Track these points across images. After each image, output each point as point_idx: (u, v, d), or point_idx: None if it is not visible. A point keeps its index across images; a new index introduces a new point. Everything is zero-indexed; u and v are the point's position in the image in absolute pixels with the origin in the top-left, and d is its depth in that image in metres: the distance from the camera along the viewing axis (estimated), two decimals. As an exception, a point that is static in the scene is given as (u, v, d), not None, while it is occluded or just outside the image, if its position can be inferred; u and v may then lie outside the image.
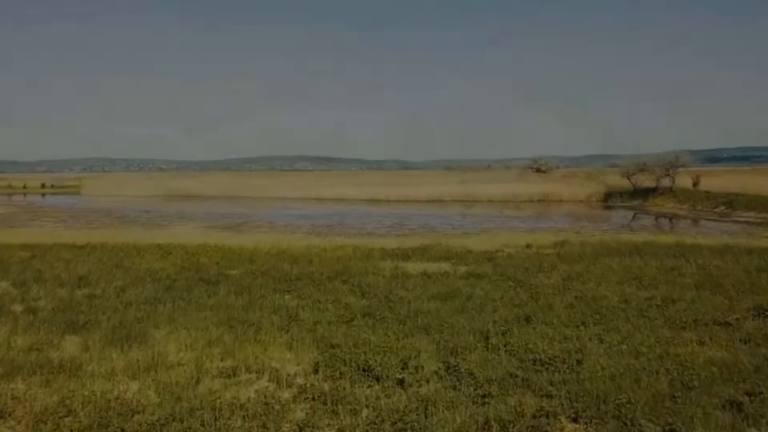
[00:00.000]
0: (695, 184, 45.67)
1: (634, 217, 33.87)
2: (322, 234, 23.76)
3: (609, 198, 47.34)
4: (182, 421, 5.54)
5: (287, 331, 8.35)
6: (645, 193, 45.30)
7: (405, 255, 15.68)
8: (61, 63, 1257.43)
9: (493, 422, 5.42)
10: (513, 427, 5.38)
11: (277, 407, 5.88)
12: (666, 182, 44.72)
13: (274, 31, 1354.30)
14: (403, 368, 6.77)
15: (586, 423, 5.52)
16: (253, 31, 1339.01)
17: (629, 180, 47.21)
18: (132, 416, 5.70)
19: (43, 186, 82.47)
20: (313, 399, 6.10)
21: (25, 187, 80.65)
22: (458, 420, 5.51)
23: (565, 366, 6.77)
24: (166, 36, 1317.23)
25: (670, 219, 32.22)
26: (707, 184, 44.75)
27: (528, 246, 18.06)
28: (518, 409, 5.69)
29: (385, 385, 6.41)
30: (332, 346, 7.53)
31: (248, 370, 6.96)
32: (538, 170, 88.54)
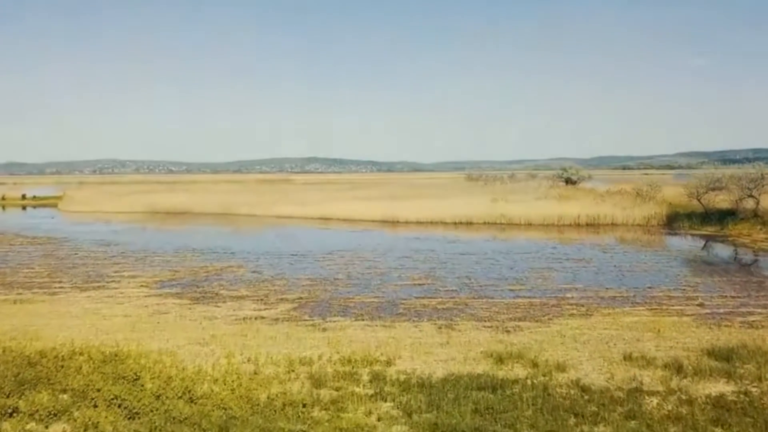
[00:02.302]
0: (779, 205, 37.56)
1: (708, 247, 25.72)
2: (323, 305, 15.98)
3: (673, 221, 39.15)
4: None
5: None
6: (720, 216, 37.14)
7: (474, 427, 7.82)
8: (67, 64, 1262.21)
9: None
10: None
11: None
12: (748, 204, 36.62)
13: (280, 33, 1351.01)
14: None
15: None
16: (259, 33, 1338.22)
17: (699, 201, 39.11)
18: None
19: (23, 197, 75.22)
20: None
21: (3, 198, 73.45)
22: None
23: None
24: (168, 37, 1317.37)
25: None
26: None
27: (683, 373, 10.13)
28: None
29: None
30: None
31: None
32: (568, 180, 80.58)
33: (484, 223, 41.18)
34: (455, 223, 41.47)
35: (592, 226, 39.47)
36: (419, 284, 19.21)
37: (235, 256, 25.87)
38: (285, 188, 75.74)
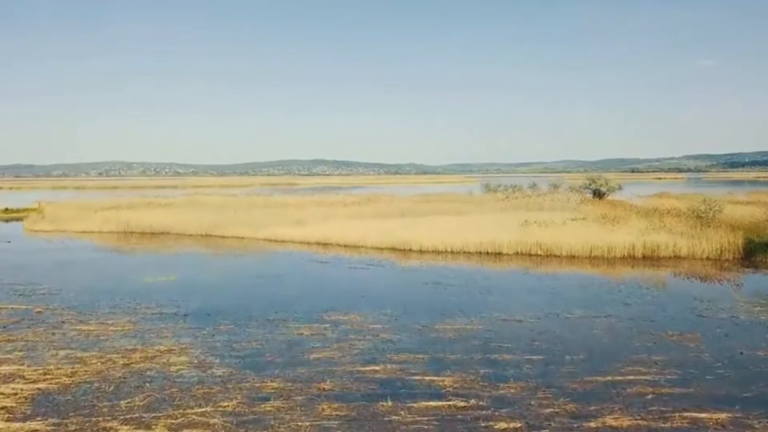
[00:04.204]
0: None
1: None
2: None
3: (751, 254, 31.55)
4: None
5: None
6: (817, 250, 29.58)
7: None
8: (73, 65, 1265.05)
9: None
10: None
11: None
12: None
13: (286, 34, 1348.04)
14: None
15: None
16: (264, 33, 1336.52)
17: (787, 229, 31.57)
18: None
19: (-6, 209, 68.56)
20: None
21: (-29, 211, 66.85)
22: None
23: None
24: (174, 38, 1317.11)
25: None
26: None
27: None
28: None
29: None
30: None
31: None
32: (597, 193, 72.98)
33: (516, 253, 33.78)
34: (480, 253, 34.13)
35: (650, 259, 31.98)
36: (456, 407, 11.78)
37: (187, 321, 18.57)
38: (283, 201, 68.41)
